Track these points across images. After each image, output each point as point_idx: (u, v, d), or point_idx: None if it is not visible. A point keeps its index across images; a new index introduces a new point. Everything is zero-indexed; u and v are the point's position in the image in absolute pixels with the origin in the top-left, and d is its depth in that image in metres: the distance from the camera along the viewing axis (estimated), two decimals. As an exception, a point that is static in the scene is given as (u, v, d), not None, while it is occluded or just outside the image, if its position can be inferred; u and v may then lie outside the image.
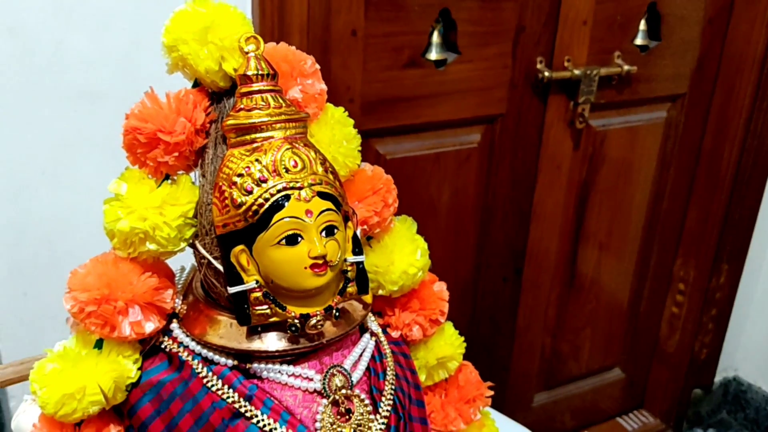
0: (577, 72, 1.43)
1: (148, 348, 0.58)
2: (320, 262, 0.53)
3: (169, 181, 0.57)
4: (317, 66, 0.63)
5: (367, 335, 0.63)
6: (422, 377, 0.72)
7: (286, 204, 0.53)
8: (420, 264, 0.67)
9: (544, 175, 1.53)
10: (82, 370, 0.54)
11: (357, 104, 1.26)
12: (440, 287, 0.71)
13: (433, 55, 1.31)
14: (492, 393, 0.78)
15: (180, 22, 0.55)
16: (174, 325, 0.59)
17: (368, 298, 0.64)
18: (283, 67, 0.60)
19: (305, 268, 0.53)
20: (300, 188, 0.53)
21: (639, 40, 1.52)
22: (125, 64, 0.98)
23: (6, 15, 0.89)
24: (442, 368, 0.72)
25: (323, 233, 0.54)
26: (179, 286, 0.61)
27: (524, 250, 1.58)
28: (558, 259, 1.65)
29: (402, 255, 0.66)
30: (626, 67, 1.48)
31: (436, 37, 1.31)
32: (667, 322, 1.87)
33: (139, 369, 0.57)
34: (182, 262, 0.64)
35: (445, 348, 0.72)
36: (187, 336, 0.58)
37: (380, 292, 0.67)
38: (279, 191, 0.53)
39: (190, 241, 0.57)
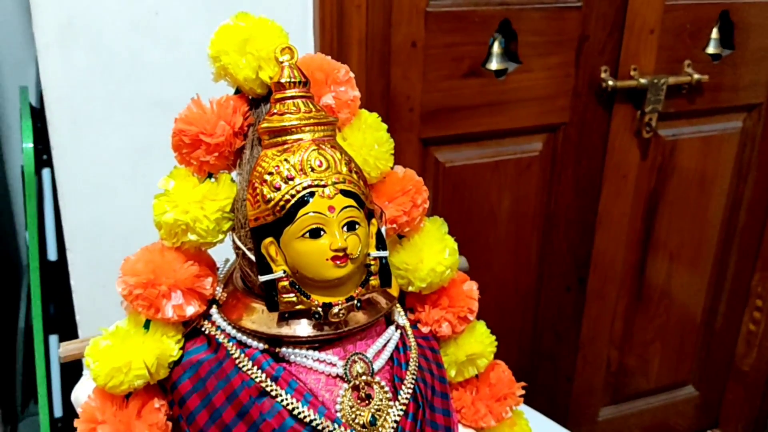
0: (643, 81, 1.42)
1: (190, 330, 0.64)
2: (341, 254, 0.57)
3: (213, 179, 0.63)
4: (351, 75, 0.67)
5: (392, 327, 0.67)
6: (452, 373, 0.74)
7: (311, 200, 0.57)
8: (448, 262, 0.70)
9: (609, 184, 1.52)
10: (129, 347, 0.60)
11: (416, 113, 1.30)
12: (470, 286, 0.74)
13: (494, 64, 1.34)
14: (523, 392, 0.79)
15: (222, 35, 0.61)
16: (213, 311, 0.64)
17: (394, 292, 0.68)
18: (317, 75, 0.65)
19: (327, 259, 0.57)
20: (324, 186, 0.57)
21: (711, 49, 1.49)
22: (195, 74, 1.06)
23: (89, 31, 0.98)
24: (471, 365, 0.75)
25: (345, 228, 0.58)
26: (222, 275, 0.67)
27: (588, 260, 1.57)
28: (625, 269, 1.63)
29: (431, 253, 0.70)
30: (696, 76, 1.46)
31: (496, 48, 1.33)
32: (744, 339, 1.81)
33: (181, 349, 0.63)
34: (227, 254, 0.69)
35: (474, 345, 0.74)
36: (225, 321, 0.63)
37: (410, 288, 0.71)
38: (304, 188, 0.57)
39: (228, 233, 0.63)
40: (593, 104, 1.44)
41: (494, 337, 0.77)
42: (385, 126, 0.69)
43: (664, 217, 1.61)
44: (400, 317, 0.69)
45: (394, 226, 0.69)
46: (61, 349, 0.68)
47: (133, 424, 0.61)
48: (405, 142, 1.31)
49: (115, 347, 0.60)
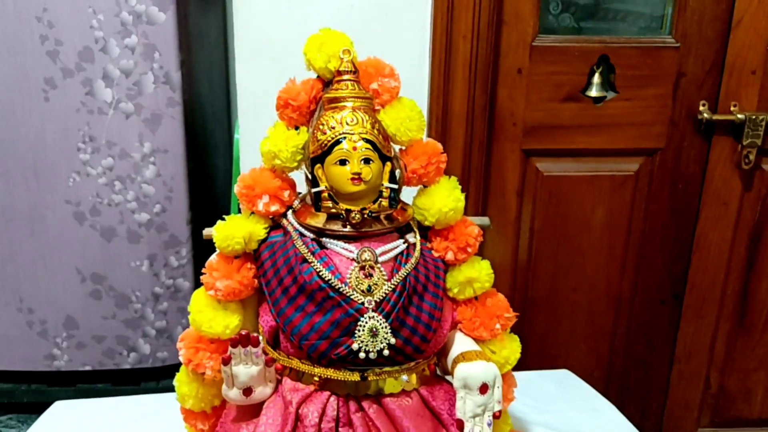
0: (740, 116, 1.57)
1: (275, 224, 1.01)
2: (356, 177, 0.91)
3: (297, 129, 1.00)
4: (396, 72, 1.01)
5: (400, 241, 0.98)
6: (455, 290, 1.03)
7: (343, 142, 0.92)
8: (451, 206, 1.00)
9: (708, 209, 1.66)
10: (236, 225, 0.98)
11: (519, 127, 1.58)
12: (472, 229, 1.03)
13: (593, 92, 1.58)
14: (513, 318, 1.05)
15: (310, 40, 1.00)
16: (289, 212, 1.01)
17: (407, 215, 1.00)
18: (369, 70, 1.00)
19: (347, 179, 0.92)
20: (352, 134, 0.92)
21: (817, 90, 1.58)
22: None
23: (270, 47, 1.43)
24: (468, 286, 1.03)
25: (362, 162, 0.92)
26: (301, 195, 1.04)
27: (684, 277, 1.71)
28: (726, 293, 1.73)
29: (440, 198, 1.00)
30: (799, 116, 1.57)
31: (596, 78, 1.58)
32: None
33: (267, 233, 1.00)
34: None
35: (472, 272, 1.02)
36: (294, 219, 0.99)
37: (426, 222, 1.02)
38: (340, 134, 0.92)
39: (301, 163, 1.00)
40: (690, 133, 1.61)
41: (492, 272, 1.05)
42: (419, 109, 1.02)
43: (769, 249, 1.70)
44: (411, 237, 1.01)
45: (415, 175, 1.01)
46: (204, 231, 1.08)
47: (232, 274, 0.99)
48: (508, 150, 1.60)
49: (228, 224, 0.99)
